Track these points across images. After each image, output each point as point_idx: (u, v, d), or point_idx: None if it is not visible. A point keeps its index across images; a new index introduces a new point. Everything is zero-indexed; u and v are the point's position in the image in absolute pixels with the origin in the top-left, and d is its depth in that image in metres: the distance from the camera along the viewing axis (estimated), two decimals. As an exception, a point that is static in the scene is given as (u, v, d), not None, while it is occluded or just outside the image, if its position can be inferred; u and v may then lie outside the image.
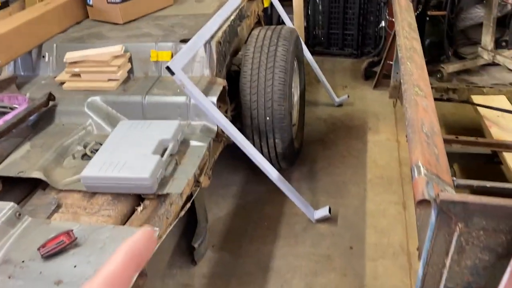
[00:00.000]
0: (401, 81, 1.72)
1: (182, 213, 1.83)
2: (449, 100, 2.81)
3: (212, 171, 2.18)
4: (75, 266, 1.38)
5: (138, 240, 0.32)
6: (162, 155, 1.79)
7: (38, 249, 1.41)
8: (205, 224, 2.28)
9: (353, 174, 2.70)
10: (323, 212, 2.35)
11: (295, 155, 2.71)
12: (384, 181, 2.61)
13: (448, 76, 3.53)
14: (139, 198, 1.74)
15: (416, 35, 2.19)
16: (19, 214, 1.57)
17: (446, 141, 2.40)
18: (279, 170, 2.46)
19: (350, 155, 2.87)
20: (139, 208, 1.68)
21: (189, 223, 2.36)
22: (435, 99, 2.92)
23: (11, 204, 1.57)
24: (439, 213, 1.17)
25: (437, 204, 1.14)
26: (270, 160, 2.49)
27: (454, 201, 1.12)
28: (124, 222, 1.66)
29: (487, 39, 3.49)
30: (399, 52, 1.92)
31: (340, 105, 3.41)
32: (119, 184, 1.68)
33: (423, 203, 1.13)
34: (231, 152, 2.45)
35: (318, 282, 2.04)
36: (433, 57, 3.78)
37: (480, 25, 3.60)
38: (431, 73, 3.67)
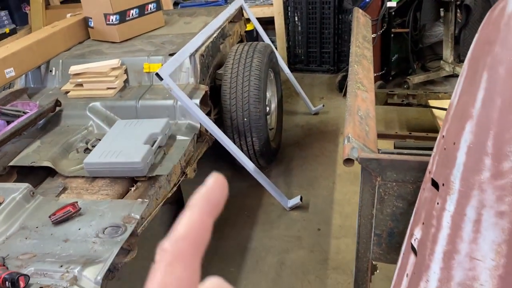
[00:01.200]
0: (348, 81, 2.09)
1: (169, 194, 2.15)
2: (408, 104, 3.17)
3: (199, 170, 2.52)
4: (79, 229, 1.70)
5: (212, 187, 0.32)
6: (152, 146, 2.13)
7: (49, 217, 1.74)
8: (191, 212, 2.60)
9: (324, 170, 3.04)
10: (295, 200, 2.68)
11: (273, 154, 3.05)
12: (351, 176, 2.94)
13: (414, 87, 3.92)
14: (132, 181, 2.08)
15: (369, 45, 2.57)
16: (33, 193, 1.90)
17: (400, 137, 2.77)
18: (259, 168, 2.81)
19: (323, 154, 3.22)
20: (133, 188, 2.02)
21: (177, 214, 2.68)
22: (397, 104, 3.32)
23: (26, 184, 1.90)
24: (363, 170, 1.53)
25: (359, 162, 1.51)
26: (249, 158, 2.84)
27: (371, 159, 1.49)
28: (120, 199, 1.98)
29: (447, 53, 3.90)
30: (350, 58, 2.30)
31: (316, 113, 3.78)
32: (116, 168, 2.02)
33: (349, 162, 1.47)
34: (217, 154, 2.80)
35: (289, 258, 2.36)
36: (401, 70, 4.19)
37: (444, 41, 4.01)
38: (399, 85, 4.08)
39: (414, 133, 2.76)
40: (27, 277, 1.37)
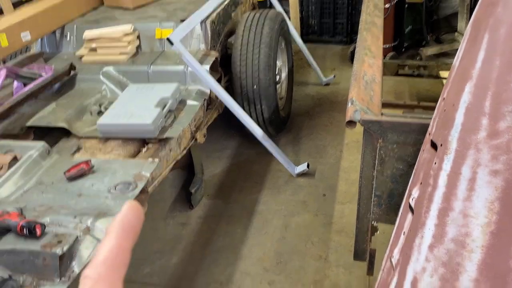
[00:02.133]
0: (356, 47, 2.10)
1: (179, 157, 2.22)
2: (419, 75, 3.16)
3: (209, 136, 2.58)
4: (92, 185, 1.79)
5: (127, 214, 0.33)
6: (162, 109, 2.19)
7: (64, 173, 1.83)
8: (201, 175, 2.68)
9: (333, 139, 3.07)
10: (302, 167, 2.73)
11: (282, 123, 3.09)
12: (359, 144, 2.97)
13: (427, 59, 3.88)
14: (144, 143, 2.15)
15: (380, 14, 2.56)
16: (49, 151, 1.99)
17: (409, 107, 2.78)
18: (268, 136, 2.86)
19: (332, 124, 3.25)
20: (144, 149, 2.09)
21: (189, 179, 2.76)
22: (407, 75, 3.31)
23: (43, 143, 1.99)
24: (364, 132, 1.57)
25: (361, 124, 1.54)
26: (258, 125, 2.88)
27: (372, 120, 1.52)
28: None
29: (462, 24, 3.83)
30: (360, 25, 2.30)
31: (327, 84, 3.79)
32: (128, 130, 2.09)
33: (351, 124, 1.51)
34: (227, 123, 2.86)
35: (294, 221, 2.43)
36: (414, 42, 4.14)
37: (459, 12, 3.94)
38: (411, 57, 4.05)
39: (423, 103, 2.76)
40: (43, 225, 1.46)
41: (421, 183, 1.35)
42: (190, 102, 2.39)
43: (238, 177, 2.84)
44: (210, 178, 2.84)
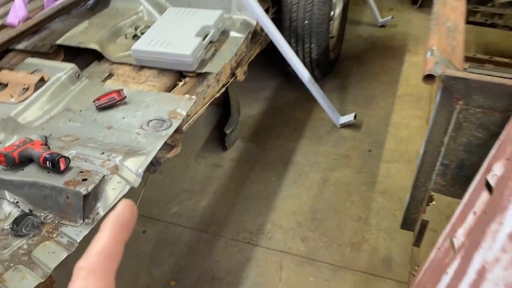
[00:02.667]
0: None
1: (217, 95, 2.03)
2: (492, 25, 2.77)
3: (249, 74, 2.35)
4: (123, 118, 1.62)
5: (122, 210, 0.33)
6: (203, 39, 1.96)
7: (93, 101, 1.67)
8: (237, 116, 2.49)
9: (384, 90, 2.79)
10: (348, 118, 2.50)
11: (330, 66, 2.82)
12: (412, 98, 2.69)
13: (499, 6, 3.41)
14: (180, 75, 1.95)
15: None
16: (78, 75, 1.82)
17: (479, 60, 2.45)
18: (313, 79, 2.60)
19: (384, 73, 2.95)
20: (180, 83, 1.89)
21: (223, 118, 2.58)
22: (478, 24, 2.90)
23: (73, 65, 1.82)
24: (443, 90, 1.31)
25: (442, 79, 1.28)
26: (304, 66, 2.62)
27: (457, 77, 1.26)
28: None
29: (549, -31, 3.31)
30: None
31: (382, 26, 3.42)
32: (164, 59, 1.88)
33: (430, 79, 1.26)
34: (268, 60, 2.60)
35: (333, 176, 2.25)
36: (488, -14, 3.64)
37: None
38: (481, 2, 3.57)
39: (496, 58, 2.42)
40: (67, 159, 1.32)
41: (507, 159, 1.12)
42: (233, 33, 2.14)
43: (276, 121, 2.64)
44: (246, 120, 2.65)
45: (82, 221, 1.26)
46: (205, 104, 1.99)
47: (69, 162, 1.33)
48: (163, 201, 2.17)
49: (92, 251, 0.31)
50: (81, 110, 1.68)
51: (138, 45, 1.90)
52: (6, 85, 1.72)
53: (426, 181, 1.54)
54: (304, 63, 2.61)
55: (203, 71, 1.90)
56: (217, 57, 2.00)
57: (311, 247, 1.91)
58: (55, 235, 1.24)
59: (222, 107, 2.59)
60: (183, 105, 1.66)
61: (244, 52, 2.24)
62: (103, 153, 1.42)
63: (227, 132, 2.40)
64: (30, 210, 1.28)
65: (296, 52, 2.55)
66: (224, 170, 2.33)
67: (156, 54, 1.87)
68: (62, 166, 1.31)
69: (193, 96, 1.70)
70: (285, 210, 2.08)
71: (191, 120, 1.85)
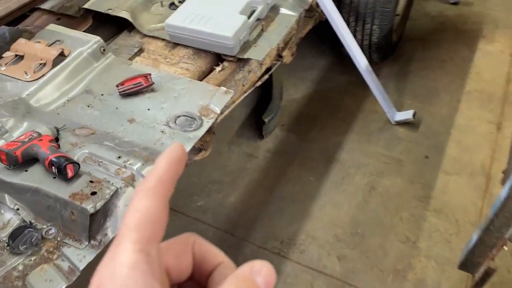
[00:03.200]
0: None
1: (259, 83, 1.76)
2: None
3: (297, 50, 2.05)
4: (148, 109, 1.40)
5: (174, 148, 0.33)
6: (249, 17, 1.67)
7: (117, 86, 1.44)
8: (278, 102, 2.23)
9: (450, 83, 2.43)
10: (406, 115, 2.18)
11: (391, 49, 2.46)
12: (483, 96, 2.33)
13: None
14: (219, 58, 1.69)
15: None
16: (104, 50, 1.59)
17: None
18: (369, 61, 2.28)
19: (452, 61, 2.56)
20: (218, 68, 1.63)
21: (263, 99, 2.32)
22: None
23: (98, 38, 1.59)
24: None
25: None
26: (361, 49, 2.29)
27: None
28: (201, 79, 1.63)
29: None
30: None
31: (455, 3, 2.97)
32: (201, 39, 1.62)
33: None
34: (320, 35, 2.27)
35: (381, 183, 1.97)
36: None
37: None
38: None
39: None
40: (76, 165, 1.13)
41: None
42: (284, 10, 1.83)
43: (322, 109, 2.35)
44: (288, 104, 2.37)
45: (87, 243, 1.08)
46: (244, 92, 1.73)
47: (78, 168, 1.14)
48: (189, 191, 1.98)
49: (149, 176, 0.31)
50: (102, 94, 1.47)
51: (173, 20, 1.64)
52: (22, 57, 1.52)
53: (503, 228, 1.26)
54: (362, 46, 2.28)
55: (245, 57, 1.63)
56: (263, 39, 1.72)
57: (349, 268, 1.68)
58: (55, 256, 1.06)
59: (262, 88, 2.32)
60: (218, 100, 1.42)
61: (295, 31, 1.94)
62: (119, 157, 1.21)
63: (266, 120, 2.14)
64: (30, 222, 1.11)
65: (354, 33, 2.21)
66: (258, 162, 2.10)
67: (192, 32, 1.61)
68: (70, 174, 1.11)
69: (230, 90, 1.45)
70: (322, 219, 1.85)
71: (227, 111, 1.61)
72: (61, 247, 1.08)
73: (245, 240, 1.79)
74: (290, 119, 2.31)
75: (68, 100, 1.45)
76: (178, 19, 1.63)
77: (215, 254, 0.33)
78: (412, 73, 2.51)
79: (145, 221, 0.29)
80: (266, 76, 1.81)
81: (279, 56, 1.89)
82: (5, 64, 1.50)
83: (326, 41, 2.59)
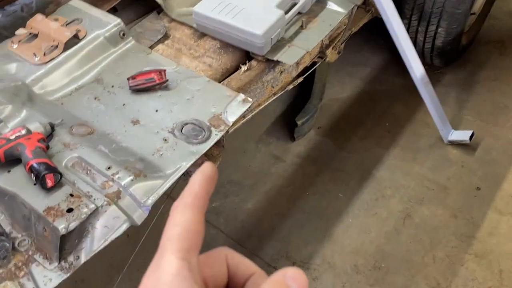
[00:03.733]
0: None
1: (290, 87, 1.56)
2: None
3: (350, 42, 1.81)
4: (156, 110, 1.27)
5: (206, 168, 0.35)
6: (287, 12, 1.45)
7: (128, 79, 1.31)
8: (317, 102, 2.01)
9: (524, 101, 2.08)
10: (462, 135, 1.89)
11: (458, 54, 2.14)
12: (563, 123, 1.97)
13: None
14: (247, 55, 1.50)
15: None
16: (123, 34, 1.46)
17: None
18: (429, 65, 1.99)
19: (532, 75, 2.19)
20: (243, 68, 1.45)
21: (301, 95, 2.11)
22: None
23: (118, 20, 1.45)
24: None
25: None
26: (421, 52, 2.00)
27: None
28: (223, 77, 1.46)
29: None
30: None
31: (549, 3, 2.53)
32: (229, 33, 1.43)
33: None
34: (379, 27, 1.99)
35: (419, 212, 1.73)
36: None
37: None
38: None
39: None
40: (57, 176, 1.02)
41: None
42: (332, 5, 1.59)
43: (367, 114, 2.10)
44: (330, 103, 2.14)
45: (57, 263, 0.98)
46: (273, 94, 1.55)
47: (60, 178, 1.03)
48: (206, 189, 1.85)
49: (186, 193, 0.33)
50: (112, 86, 1.34)
51: (201, 8, 1.46)
52: (36, 36, 1.42)
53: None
54: (423, 49, 1.99)
55: (275, 58, 1.43)
56: (301, 37, 1.50)
57: (362, 308, 1.50)
58: (22, 273, 0.98)
59: (303, 84, 2.11)
60: (233, 110, 1.25)
61: (344, 27, 1.70)
62: (109, 167, 1.09)
63: (299, 123, 1.94)
64: (4, 232, 1.02)
65: (415, 33, 1.93)
66: (284, 167, 1.92)
67: (219, 24, 1.42)
68: (50, 183, 1.01)
69: (249, 99, 1.26)
70: (344, 244, 1.66)
71: (249, 116, 1.44)
72: (30, 264, 0.98)
73: (255, 254, 1.65)
74: (328, 121, 2.09)
75: (76, 89, 1.34)
76: (207, 8, 1.45)
77: (247, 266, 0.35)
78: (479, 83, 2.17)
79: (185, 233, 0.31)
80: (301, 79, 1.61)
81: (323, 53, 1.67)
82: (18, 42, 1.41)
83: (385, 35, 2.29)
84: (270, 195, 1.84)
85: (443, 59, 2.06)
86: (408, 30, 1.81)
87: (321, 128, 2.06)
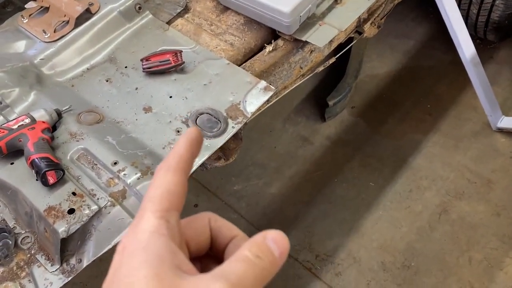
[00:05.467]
0: None
1: (321, 68, 1.41)
2: None
3: (395, 10, 1.63)
4: (170, 97, 1.17)
5: (190, 132, 0.35)
6: (320, -16, 1.29)
7: (141, 60, 1.21)
8: (352, 81, 1.85)
9: None
10: (513, 123, 1.69)
11: (514, 29, 1.89)
12: None
13: None
14: (273, 34, 1.35)
15: None
16: (140, 8, 1.34)
17: None
18: (481, 41, 1.78)
19: None
20: (268, 48, 1.31)
21: (335, 71, 1.95)
22: None
23: (134, -10, 1.33)
24: None
25: None
26: (474, 27, 1.78)
27: None
28: (246, 58, 1.33)
29: None
30: None
31: None
32: (254, 9, 1.28)
33: None
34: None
35: (457, 207, 1.59)
36: None
37: None
38: None
39: None
40: (59, 173, 0.95)
41: None
42: (373, -25, 1.40)
43: (407, 93, 1.92)
44: (367, 79, 1.97)
45: (59, 266, 0.93)
46: (302, 75, 1.41)
47: (62, 175, 0.96)
48: (228, 170, 1.77)
49: (170, 156, 0.34)
50: (126, 67, 1.25)
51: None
52: (47, 9, 1.32)
53: None
54: (476, 22, 1.76)
55: (303, 39, 1.28)
56: (334, 14, 1.34)
57: (387, 309, 1.41)
58: (24, 274, 0.94)
59: (338, 59, 1.94)
60: (253, 99, 1.14)
61: (384, 3, 1.51)
62: (116, 163, 1.01)
63: (330, 103, 1.79)
64: (7, 227, 0.97)
65: (468, 4, 1.70)
66: (312, 150, 1.80)
67: (244, -1, 1.28)
68: (51, 180, 0.95)
69: (271, 87, 1.14)
70: (371, 239, 1.56)
71: (275, 99, 1.32)
72: (32, 264, 0.94)
73: (276, 244, 1.57)
74: (364, 100, 1.93)
75: (87, 69, 1.25)
76: (229, -21, 1.30)
77: (229, 228, 0.35)
78: (539, 62, 1.93)
79: (166, 194, 0.32)
80: (333, 59, 1.45)
81: (360, 27, 1.50)
82: (29, 16, 1.32)
83: (431, 4, 2.06)
84: (295, 181, 1.73)
85: (499, 35, 1.83)
86: (460, 2, 1.59)
87: (355, 108, 1.91)
